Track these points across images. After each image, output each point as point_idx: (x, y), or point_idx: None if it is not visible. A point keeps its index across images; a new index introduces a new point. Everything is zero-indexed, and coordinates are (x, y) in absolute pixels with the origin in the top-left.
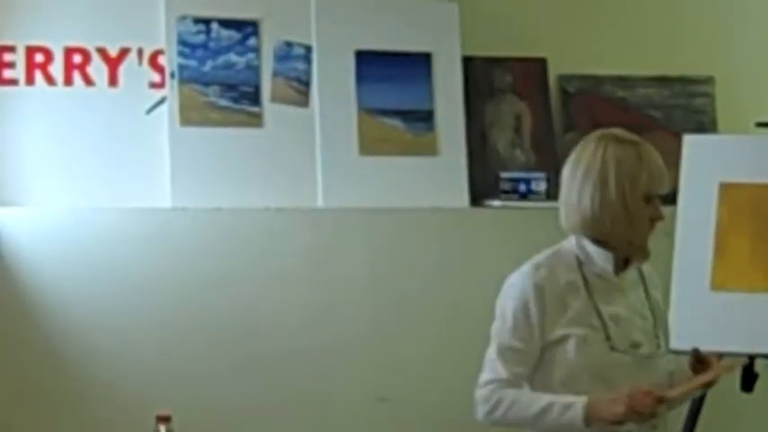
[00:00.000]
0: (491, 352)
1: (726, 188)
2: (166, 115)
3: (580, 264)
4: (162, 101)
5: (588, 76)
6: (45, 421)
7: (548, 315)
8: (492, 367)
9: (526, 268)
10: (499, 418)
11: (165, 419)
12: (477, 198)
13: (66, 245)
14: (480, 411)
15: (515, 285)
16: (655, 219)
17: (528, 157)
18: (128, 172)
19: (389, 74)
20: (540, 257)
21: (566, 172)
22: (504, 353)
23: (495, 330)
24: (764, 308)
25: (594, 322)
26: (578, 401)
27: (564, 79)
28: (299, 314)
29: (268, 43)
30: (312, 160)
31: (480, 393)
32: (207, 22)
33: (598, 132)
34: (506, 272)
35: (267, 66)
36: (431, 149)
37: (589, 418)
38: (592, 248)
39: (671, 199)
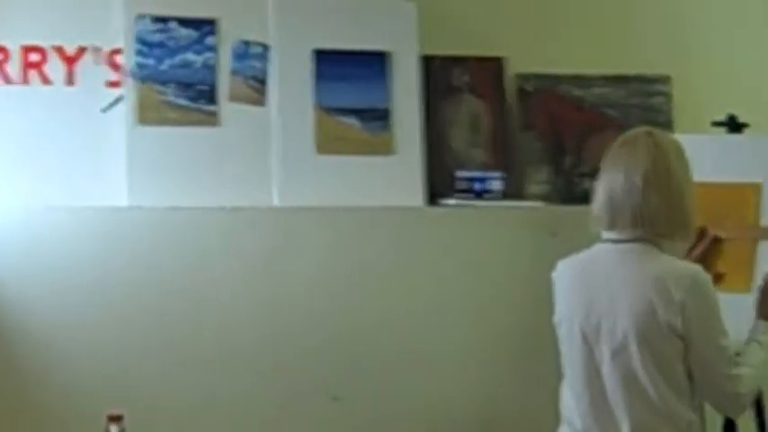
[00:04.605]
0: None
1: None
2: (124, 114)
3: None
4: (119, 99)
5: (546, 75)
6: None
7: None
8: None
9: (698, 266)
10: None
11: (116, 419)
12: (433, 197)
13: (21, 243)
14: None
15: (709, 280)
16: None
17: (485, 156)
18: (84, 170)
19: (347, 73)
20: (676, 259)
21: (648, 178)
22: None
23: (720, 328)
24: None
25: None
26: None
27: (521, 78)
28: (254, 313)
29: (226, 42)
30: (269, 159)
31: (748, 386)
32: (165, 20)
33: (651, 137)
34: (462, 270)
35: (225, 64)
36: (387, 148)
37: None
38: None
39: None
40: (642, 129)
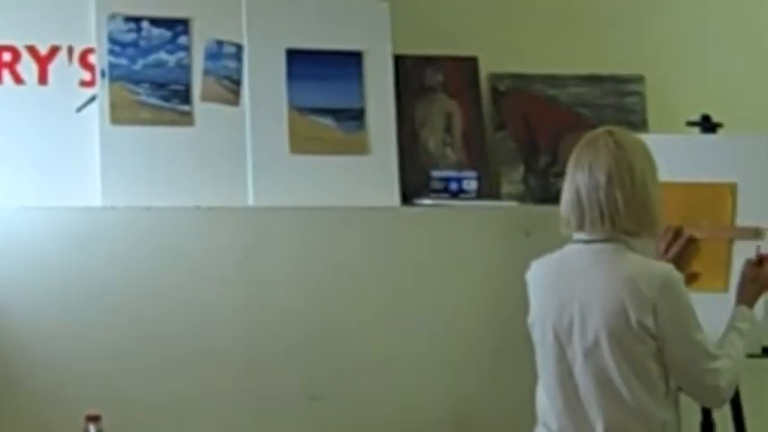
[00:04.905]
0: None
1: None
2: (97, 114)
3: None
4: (92, 99)
5: (519, 74)
6: None
7: None
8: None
9: (669, 265)
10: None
11: (94, 419)
12: (408, 197)
13: None
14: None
15: (680, 279)
16: None
17: (459, 155)
18: (58, 171)
19: (320, 72)
20: (648, 259)
21: (610, 175)
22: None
23: (694, 324)
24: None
25: None
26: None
27: (495, 78)
28: (230, 313)
29: (199, 42)
30: (243, 159)
31: (727, 378)
32: (137, 20)
33: (612, 135)
34: (437, 270)
35: (198, 64)
36: (362, 148)
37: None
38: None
39: None
40: (603, 128)
